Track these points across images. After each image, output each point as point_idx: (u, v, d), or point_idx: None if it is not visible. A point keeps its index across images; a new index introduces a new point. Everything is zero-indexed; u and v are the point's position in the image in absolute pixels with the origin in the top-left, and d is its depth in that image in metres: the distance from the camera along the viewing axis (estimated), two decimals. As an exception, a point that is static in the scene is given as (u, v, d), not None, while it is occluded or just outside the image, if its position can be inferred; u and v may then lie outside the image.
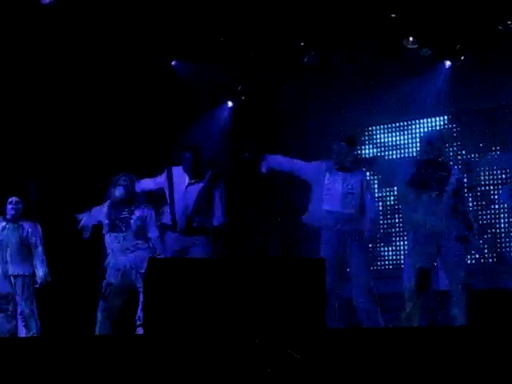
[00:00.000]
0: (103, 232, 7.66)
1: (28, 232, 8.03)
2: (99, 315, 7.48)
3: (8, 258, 8.01)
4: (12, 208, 8.03)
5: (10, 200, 8.06)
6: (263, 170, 7.64)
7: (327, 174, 7.24)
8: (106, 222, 7.60)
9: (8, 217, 8.05)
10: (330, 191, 7.20)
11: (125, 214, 7.55)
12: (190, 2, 9.29)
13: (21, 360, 5.08)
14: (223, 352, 4.58)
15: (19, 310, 7.94)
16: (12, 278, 7.99)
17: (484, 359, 4.22)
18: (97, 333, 7.34)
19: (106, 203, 7.70)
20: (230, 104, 11.24)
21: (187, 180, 7.71)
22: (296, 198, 11.06)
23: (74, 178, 10.12)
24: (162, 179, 7.89)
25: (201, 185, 7.69)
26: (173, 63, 10.60)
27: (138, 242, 7.51)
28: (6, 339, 7.37)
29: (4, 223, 8.09)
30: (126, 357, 4.82)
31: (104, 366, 4.85)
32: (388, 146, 10.83)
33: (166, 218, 7.64)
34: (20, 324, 7.95)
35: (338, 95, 10.52)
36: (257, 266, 5.24)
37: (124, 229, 7.52)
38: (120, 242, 7.52)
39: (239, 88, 10.96)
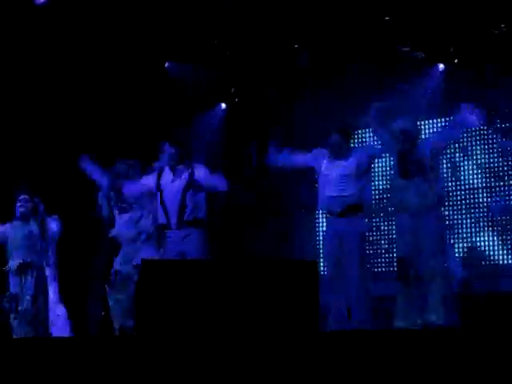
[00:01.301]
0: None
1: (35, 228, 8.05)
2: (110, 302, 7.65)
3: (15, 254, 8.03)
4: (21, 205, 8.05)
5: (18, 199, 8.08)
6: (272, 161, 7.68)
7: (325, 162, 7.36)
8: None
9: (17, 215, 8.07)
10: (328, 177, 7.31)
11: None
12: (183, 4, 9.29)
13: (23, 361, 5.06)
14: (216, 354, 4.57)
15: (23, 307, 7.93)
16: (21, 273, 7.99)
17: (480, 362, 4.22)
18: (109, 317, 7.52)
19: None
20: (223, 106, 11.25)
21: (171, 176, 7.70)
22: (291, 197, 11.14)
23: (64, 182, 10.11)
24: (149, 180, 7.86)
25: (185, 178, 7.65)
26: (166, 65, 10.60)
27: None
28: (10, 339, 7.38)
29: (14, 222, 8.11)
30: (117, 359, 4.81)
31: (95, 367, 4.83)
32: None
33: (161, 219, 7.64)
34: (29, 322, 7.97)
35: (329, 97, 10.53)
36: (250, 267, 5.23)
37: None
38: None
39: (232, 90, 10.97)
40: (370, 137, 10.85)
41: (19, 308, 7.93)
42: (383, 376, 4.33)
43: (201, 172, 7.64)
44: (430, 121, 10.46)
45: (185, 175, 7.65)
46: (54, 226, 8.39)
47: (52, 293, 8.57)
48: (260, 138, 10.42)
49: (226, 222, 10.52)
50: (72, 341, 6.63)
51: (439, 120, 10.38)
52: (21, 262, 7.97)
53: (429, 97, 10.08)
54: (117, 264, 7.87)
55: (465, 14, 9.04)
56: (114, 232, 7.99)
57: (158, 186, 7.67)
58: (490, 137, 10.09)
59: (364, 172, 7.36)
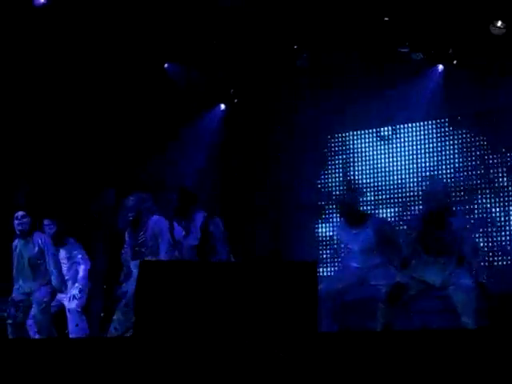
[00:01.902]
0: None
1: (39, 247, 7.89)
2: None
3: (21, 276, 7.91)
4: (18, 224, 7.87)
5: (15, 215, 7.90)
6: None
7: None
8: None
9: (17, 233, 7.93)
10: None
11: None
12: (183, 5, 9.29)
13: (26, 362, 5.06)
14: (215, 354, 4.58)
15: (31, 314, 7.89)
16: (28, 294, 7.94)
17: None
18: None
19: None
20: (222, 107, 11.26)
21: (183, 232, 7.55)
22: (289, 198, 11.15)
23: (62, 187, 10.11)
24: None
25: (197, 234, 7.51)
26: (165, 66, 10.61)
27: None
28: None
29: (17, 240, 7.99)
30: (117, 360, 4.81)
31: (94, 369, 4.83)
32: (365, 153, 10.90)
33: None
34: (32, 330, 7.92)
35: (329, 98, 10.55)
36: (249, 268, 5.23)
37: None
38: None
39: (232, 91, 10.98)
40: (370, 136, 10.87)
41: (17, 314, 7.89)
42: (382, 377, 4.33)
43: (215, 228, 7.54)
44: (429, 121, 10.49)
45: (196, 232, 7.51)
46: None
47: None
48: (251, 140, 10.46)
49: (225, 222, 10.51)
50: (71, 341, 6.63)
51: (438, 121, 10.42)
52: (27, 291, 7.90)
53: (428, 98, 10.10)
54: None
55: (464, 15, 9.04)
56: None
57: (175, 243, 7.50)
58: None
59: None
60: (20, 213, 7.90)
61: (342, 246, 7.67)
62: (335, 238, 8.02)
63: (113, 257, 8.97)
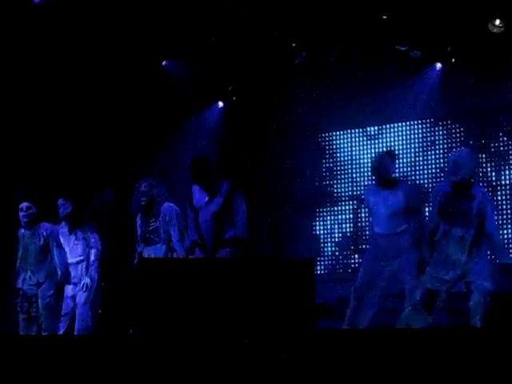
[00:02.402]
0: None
1: (44, 237, 7.89)
2: None
3: (29, 267, 7.90)
4: (24, 215, 7.88)
5: (20, 207, 7.91)
6: None
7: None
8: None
9: (22, 224, 7.93)
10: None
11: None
12: (181, 2, 9.28)
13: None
14: (213, 353, 4.57)
15: (40, 308, 7.89)
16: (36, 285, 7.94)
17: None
18: None
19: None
20: (220, 104, 11.25)
21: (206, 198, 7.33)
22: (287, 196, 11.15)
23: (65, 178, 10.10)
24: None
25: (219, 201, 7.28)
26: (163, 63, 10.61)
27: None
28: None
29: (23, 230, 7.98)
30: (114, 358, 4.80)
31: (91, 367, 4.83)
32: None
33: (193, 235, 7.30)
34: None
35: (327, 96, 10.55)
36: (247, 266, 5.23)
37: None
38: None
39: (230, 88, 10.98)
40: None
41: (30, 309, 7.89)
42: (381, 376, 4.33)
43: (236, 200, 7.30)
44: (428, 120, 10.49)
45: (218, 198, 7.28)
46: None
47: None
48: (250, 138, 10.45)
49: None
50: (69, 339, 6.63)
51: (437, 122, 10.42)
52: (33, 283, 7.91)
53: (426, 96, 10.10)
54: None
55: (462, 14, 9.04)
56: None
57: (192, 207, 7.34)
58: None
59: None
60: (25, 204, 7.91)
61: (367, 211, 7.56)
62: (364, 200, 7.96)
63: (111, 256, 8.99)
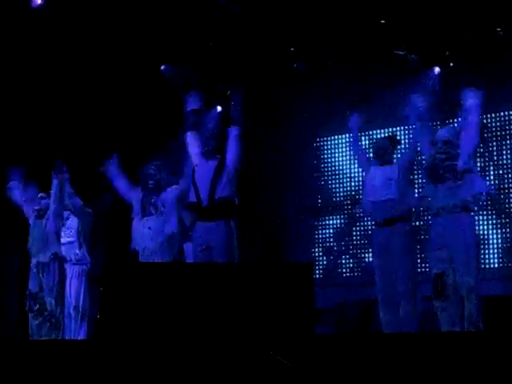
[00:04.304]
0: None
1: (47, 222, 8.13)
2: None
3: (34, 251, 8.12)
4: (36, 204, 8.21)
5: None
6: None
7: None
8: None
9: (35, 214, 8.21)
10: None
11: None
12: (180, 6, 9.29)
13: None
14: (212, 356, 4.57)
15: (48, 308, 7.97)
16: (40, 270, 8.03)
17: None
18: None
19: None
20: (219, 109, 11.24)
21: (201, 149, 7.50)
22: (286, 200, 11.16)
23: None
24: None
25: (216, 160, 7.42)
26: (162, 67, 10.61)
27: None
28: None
29: (33, 220, 8.26)
30: (104, 363, 4.79)
31: (81, 371, 4.81)
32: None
33: (191, 196, 7.34)
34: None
35: (324, 100, 10.56)
36: (245, 269, 5.23)
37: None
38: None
39: (228, 93, 10.96)
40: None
41: (37, 307, 7.96)
42: (379, 379, 4.33)
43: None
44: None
45: (215, 157, 7.43)
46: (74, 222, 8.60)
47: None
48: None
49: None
50: (66, 344, 6.62)
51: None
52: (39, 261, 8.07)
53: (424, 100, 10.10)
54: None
55: (461, 18, 9.06)
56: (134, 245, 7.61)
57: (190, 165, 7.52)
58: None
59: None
60: (40, 195, 8.24)
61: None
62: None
63: (109, 260, 8.99)
